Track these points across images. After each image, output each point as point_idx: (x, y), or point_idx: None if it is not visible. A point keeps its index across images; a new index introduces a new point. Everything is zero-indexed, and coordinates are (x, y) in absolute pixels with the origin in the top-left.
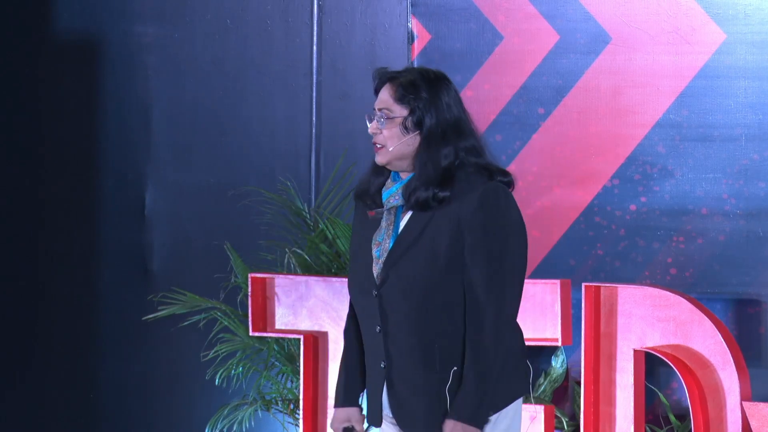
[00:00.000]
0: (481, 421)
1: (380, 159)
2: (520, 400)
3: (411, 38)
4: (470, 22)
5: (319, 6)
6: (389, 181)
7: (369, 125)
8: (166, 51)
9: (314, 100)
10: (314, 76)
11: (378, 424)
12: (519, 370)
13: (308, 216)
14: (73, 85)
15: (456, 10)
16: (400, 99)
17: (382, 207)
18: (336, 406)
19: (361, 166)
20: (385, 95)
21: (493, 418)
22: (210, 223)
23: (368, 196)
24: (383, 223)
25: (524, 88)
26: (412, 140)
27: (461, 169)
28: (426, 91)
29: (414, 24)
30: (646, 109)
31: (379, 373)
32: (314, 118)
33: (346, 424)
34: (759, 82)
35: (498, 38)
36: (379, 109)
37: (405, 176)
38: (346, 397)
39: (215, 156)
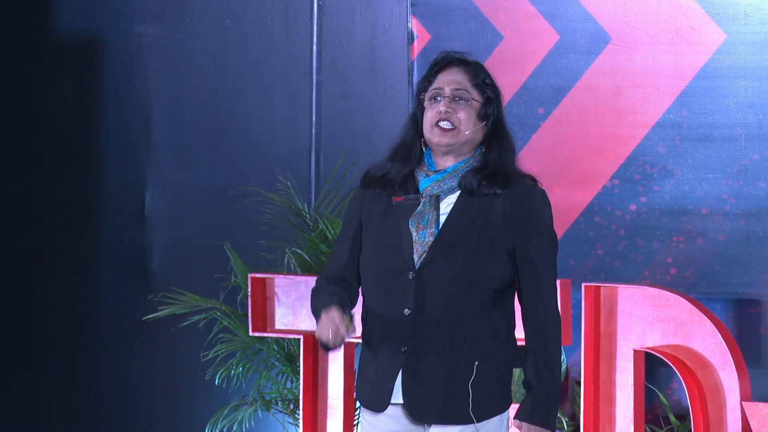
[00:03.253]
0: (554, 424)
1: (448, 139)
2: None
3: (411, 38)
4: (470, 22)
5: (319, 6)
6: (425, 168)
7: (436, 104)
8: (166, 51)
9: (314, 100)
10: (314, 76)
11: (382, 410)
12: (511, 379)
13: (308, 216)
14: (73, 85)
15: (456, 10)
16: (477, 85)
17: (412, 194)
18: (323, 309)
19: (361, 167)
20: (460, 77)
21: (497, 418)
22: (210, 223)
23: (393, 182)
24: (422, 208)
25: (524, 88)
26: (480, 129)
27: (507, 166)
28: (494, 84)
29: (414, 24)
30: (646, 109)
31: (397, 358)
32: (314, 118)
33: (341, 315)
34: (759, 82)
35: (498, 38)
36: (455, 89)
37: (450, 161)
38: (332, 301)
39: (215, 156)
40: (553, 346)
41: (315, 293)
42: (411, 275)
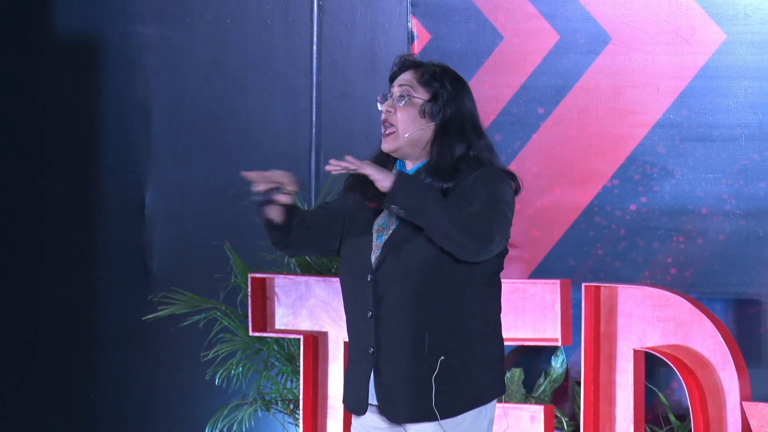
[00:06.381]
0: (401, 185)
1: (389, 145)
2: (495, 401)
3: (411, 38)
4: (470, 22)
5: (319, 6)
6: (395, 171)
7: (381, 105)
8: (166, 51)
9: (314, 100)
10: (314, 76)
11: (362, 413)
12: (497, 372)
13: None
14: (73, 85)
15: (456, 10)
16: (425, 83)
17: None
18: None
19: None
20: (408, 76)
21: (473, 412)
22: (210, 223)
23: (369, 187)
24: (387, 211)
25: (524, 88)
26: (427, 128)
27: (470, 163)
28: (450, 83)
29: (414, 24)
30: (646, 109)
31: (367, 360)
32: (314, 118)
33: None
34: (759, 82)
35: (498, 38)
36: (400, 86)
37: (410, 165)
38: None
39: (215, 156)
40: (455, 219)
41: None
42: (369, 277)
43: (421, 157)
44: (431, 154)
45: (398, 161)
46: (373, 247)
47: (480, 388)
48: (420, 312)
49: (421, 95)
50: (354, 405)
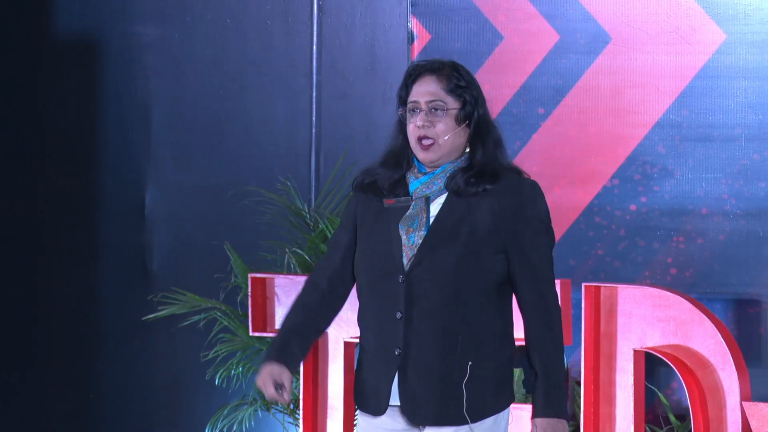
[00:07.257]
0: (567, 414)
1: (431, 156)
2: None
3: (411, 38)
4: (470, 22)
5: (319, 6)
6: (414, 170)
7: (413, 119)
8: (166, 51)
9: (314, 100)
10: (314, 76)
11: (381, 413)
12: (512, 375)
13: (308, 216)
14: (73, 85)
15: (456, 10)
16: (452, 91)
17: (403, 197)
18: (268, 360)
19: (361, 167)
20: (434, 87)
21: (491, 419)
22: (210, 223)
23: (383, 187)
24: (412, 211)
25: (524, 88)
26: (464, 134)
27: (494, 162)
28: (471, 84)
29: (414, 24)
30: (646, 109)
31: (392, 361)
32: (314, 118)
33: (277, 378)
34: (759, 82)
35: (498, 38)
36: (430, 102)
37: (431, 167)
38: (282, 354)
39: (215, 156)
40: (557, 339)
41: (292, 308)
42: (401, 278)
43: (452, 159)
44: (473, 157)
45: (416, 161)
46: (404, 248)
47: (500, 391)
48: (453, 314)
49: (453, 105)
50: (373, 405)
